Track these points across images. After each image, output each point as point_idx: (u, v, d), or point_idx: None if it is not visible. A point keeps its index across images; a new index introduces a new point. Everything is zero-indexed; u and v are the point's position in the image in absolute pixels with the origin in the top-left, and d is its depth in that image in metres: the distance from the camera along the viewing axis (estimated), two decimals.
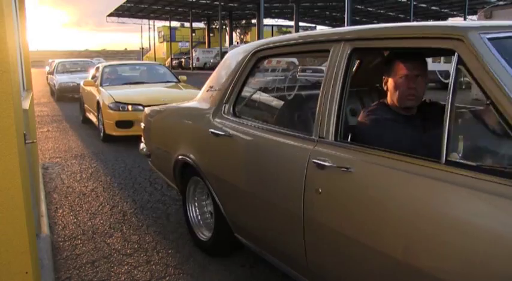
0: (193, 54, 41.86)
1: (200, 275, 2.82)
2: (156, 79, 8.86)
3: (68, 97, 13.97)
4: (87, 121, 8.87)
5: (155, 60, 49.62)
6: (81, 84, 9.43)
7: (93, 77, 9.01)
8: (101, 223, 3.72)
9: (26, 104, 3.05)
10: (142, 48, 64.03)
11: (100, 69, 8.59)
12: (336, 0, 36.88)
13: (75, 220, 3.82)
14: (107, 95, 7.14)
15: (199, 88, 8.00)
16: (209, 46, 48.60)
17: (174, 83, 8.66)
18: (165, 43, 60.74)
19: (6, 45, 1.70)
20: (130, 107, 6.79)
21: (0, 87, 1.70)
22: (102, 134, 7.24)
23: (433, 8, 40.88)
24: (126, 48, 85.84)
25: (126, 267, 2.93)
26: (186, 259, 3.04)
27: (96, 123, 7.69)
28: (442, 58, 22.62)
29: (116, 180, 5.05)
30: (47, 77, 21.85)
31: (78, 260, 3.04)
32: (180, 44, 60.15)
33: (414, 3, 32.39)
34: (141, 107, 6.33)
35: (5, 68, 1.70)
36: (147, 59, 56.58)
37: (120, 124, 6.73)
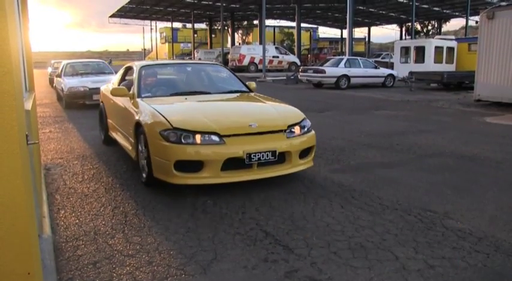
0: (195, 55, 41.89)
1: (202, 277, 2.81)
2: (218, 87, 6.12)
3: (78, 104, 12.19)
4: (112, 143, 6.74)
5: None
6: (103, 90, 7.33)
7: (121, 80, 6.60)
8: (102, 224, 3.73)
9: (28, 105, 3.05)
10: (145, 49, 64.19)
11: (135, 70, 5.80)
12: (337, 1, 36.87)
13: (77, 221, 3.82)
14: (154, 113, 4.58)
15: (283, 101, 5.62)
16: (211, 47, 48.68)
17: (245, 93, 5.92)
18: (167, 44, 60.93)
19: (9, 46, 1.70)
20: (199, 138, 4.23)
21: (3, 88, 1.70)
22: (144, 176, 4.71)
23: (435, 9, 40.83)
24: (128, 49, 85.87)
25: (128, 268, 2.93)
26: (188, 260, 3.04)
27: (132, 154, 5.18)
28: (444, 59, 22.68)
29: (118, 181, 5.05)
30: (50, 79, 21.06)
31: (80, 261, 3.04)
32: (182, 44, 60.31)
33: (416, 4, 32.35)
34: (216, 139, 4.25)
35: (8, 69, 1.70)
36: (149, 60, 56.67)
37: (183, 166, 4.18)
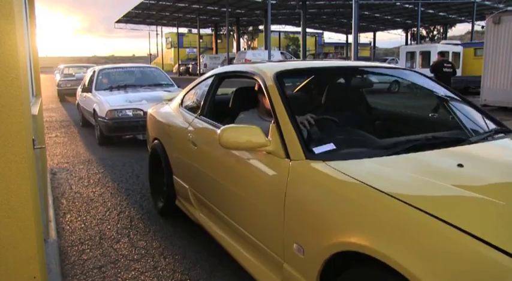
0: (201, 60, 42.01)
1: None
2: (456, 123, 2.81)
3: (124, 139, 7.73)
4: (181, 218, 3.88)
5: (163, 66, 49.85)
6: (154, 115, 4.20)
7: (206, 104, 3.25)
8: (108, 229, 3.73)
9: (35, 110, 3.07)
10: (150, 54, 64.50)
11: (266, 84, 2.50)
12: (343, 7, 36.93)
13: (83, 225, 3.83)
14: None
15: None
16: (216, 52, 48.82)
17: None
18: (172, 49, 61.25)
19: (17, 52, 1.72)
20: None
21: (10, 93, 1.72)
22: None
23: (441, 13, 40.77)
24: (134, 54, 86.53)
25: (133, 273, 2.93)
26: (193, 264, 3.04)
27: None
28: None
29: (123, 185, 5.06)
30: (58, 91, 17.17)
31: (85, 266, 3.05)
32: (187, 50, 60.64)
33: (422, 9, 32.34)
34: None
35: (15, 74, 1.72)
36: (155, 65, 56.82)
37: None
